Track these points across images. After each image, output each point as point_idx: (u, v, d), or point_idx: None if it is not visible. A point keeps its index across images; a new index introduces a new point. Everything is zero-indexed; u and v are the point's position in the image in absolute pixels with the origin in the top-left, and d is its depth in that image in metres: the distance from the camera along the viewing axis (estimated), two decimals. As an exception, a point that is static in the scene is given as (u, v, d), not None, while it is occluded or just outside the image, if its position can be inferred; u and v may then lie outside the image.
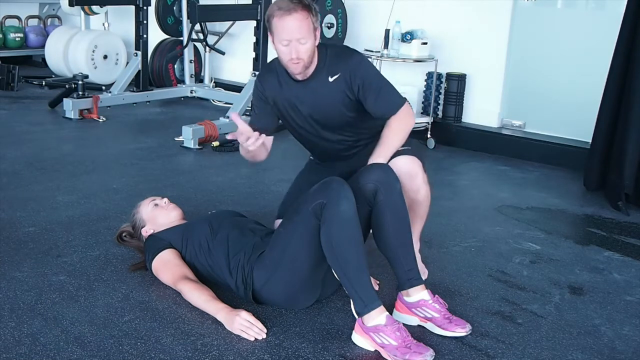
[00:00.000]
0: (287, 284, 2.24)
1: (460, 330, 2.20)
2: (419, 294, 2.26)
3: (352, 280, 2.11)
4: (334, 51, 2.52)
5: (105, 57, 6.37)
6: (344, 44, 5.09)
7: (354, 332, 2.14)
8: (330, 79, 2.46)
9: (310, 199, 2.17)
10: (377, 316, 2.08)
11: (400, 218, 2.27)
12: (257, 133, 2.35)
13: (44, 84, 6.27)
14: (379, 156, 2.38)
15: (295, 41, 2.36)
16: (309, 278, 2.25)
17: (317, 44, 2.43)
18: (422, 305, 2.25)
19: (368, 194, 2.23)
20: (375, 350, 2.08)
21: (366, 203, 2.23)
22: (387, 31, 4.79)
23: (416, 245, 2.68)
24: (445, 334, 2.20)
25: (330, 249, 2.12)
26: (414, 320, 2.26)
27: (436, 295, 2.29)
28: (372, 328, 2.07)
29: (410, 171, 2.46)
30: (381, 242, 2.30)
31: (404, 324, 2.14)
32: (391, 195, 2.24)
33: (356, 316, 2.13)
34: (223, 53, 6.08)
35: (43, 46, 6.75)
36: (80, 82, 5.15)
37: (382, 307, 2.10)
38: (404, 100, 2.48)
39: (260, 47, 4.84)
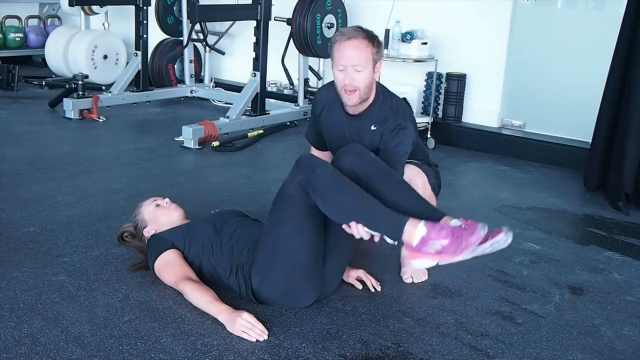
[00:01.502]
0: (284, 276, 2.23)
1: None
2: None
3: (368, 218, 2.09)
4: (390, 104, 2.53)
5: (105, 57, 6.37)
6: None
7: (411, 260, 2.10)
8: (372, 128, 2.51)
9: (288, 185, 2.19)
10: (414, 230, 2.04)
11: (386, 174, 2.24)
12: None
13: (44, 84, 6.27)
14: None
15: (350, 67, 2.38)
16: (305, 267, 2.23)
17: (376, 78, 2.45)
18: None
19: (348, 174, 2.20)
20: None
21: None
22: (387, 31, 4.78)
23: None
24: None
25: (332, 210, 2.12)
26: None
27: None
28: (420, 243, 2.03)
29: (408, 182, 2.46)
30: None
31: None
32: (369, 165, 2.22)
33: (398, 243, 2.09)
34: (223, 53, 6.09)
35: (43, 46, 6.75)
36: (80, 82, 5.15)
37: (411, 219, 2.06)
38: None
39: (260, 47, 4.83)
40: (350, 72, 2.39)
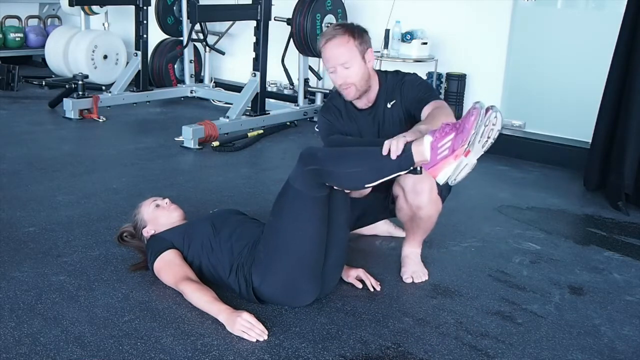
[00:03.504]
0: (285, 270, 2.22)
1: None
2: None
3: (378, 172, 2.08)
4: (392, 77, 2.56)
5: (105, 57, 6.38)
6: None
7: (435, 179, 2.05)
8: (389, 105, 2.52)
9: (293, 179, 2.18)
10: (420, 145, 2.01)
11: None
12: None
13: (44, 84, 6.27)
14: (418, 124, 2.21)
15: (339, 66, 2.41)
16: (308, 261, 2.22)
17: (369, 66, 2.46)
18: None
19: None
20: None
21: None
22: (387, 31, 4.79)
23: (417, 249, 2.69)
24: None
25: (346, 182, 2.13)
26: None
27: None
28: (432, 153, 2.00)
29: (415, 186, 2.45)
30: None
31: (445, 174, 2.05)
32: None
33: (420, 172, 2.07)
34: (223, 53, 6.09)
35: (43, 46, 6.76)
36: (80, 82, 5.15)
37: (414, 143, 2.03)
38: (438, 97, 2.50)
39: (260, 47, 4.84)
40: (340, 71, 2.42)
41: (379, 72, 2.57)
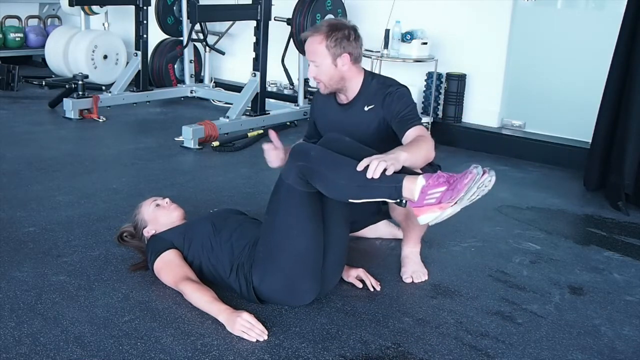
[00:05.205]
0: (285, 268, 2.22)
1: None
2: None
3: (366, 190, 2.09)
4: (378, 81, 2.60)
5: (105, 57, 6.37)
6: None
7: (417, 218, 2.09)
8: (366, 108, 2.56)
9: (286, 175, 2.20)
10: (413, 184, 2.04)
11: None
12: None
13: (44, 84, 6.27)
14: (400, 149, 2.22)
15: (311, 63, 2.53)
16: (306, 259, 2.22)
17: (343, 69, 2.50)
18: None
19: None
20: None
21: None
22: (387, 31, 4.79)
23: (416, 248, 2.69)
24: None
25: (332, 189, 2.13)
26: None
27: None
28: (421, 195, 2.03)
29: None
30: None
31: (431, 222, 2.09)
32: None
33: (405, 205, 2.09)
34: (223, 53, 6.09)
35: (43, 46, 6.75)
36: (80, 82, 5.15)
37: (407, 176, 2.06)
38: (421, 123, 2.51)
39: (260, 47, 4.84)
40: (311, 67, 2.54)
41: (367, 74, 2.60)
